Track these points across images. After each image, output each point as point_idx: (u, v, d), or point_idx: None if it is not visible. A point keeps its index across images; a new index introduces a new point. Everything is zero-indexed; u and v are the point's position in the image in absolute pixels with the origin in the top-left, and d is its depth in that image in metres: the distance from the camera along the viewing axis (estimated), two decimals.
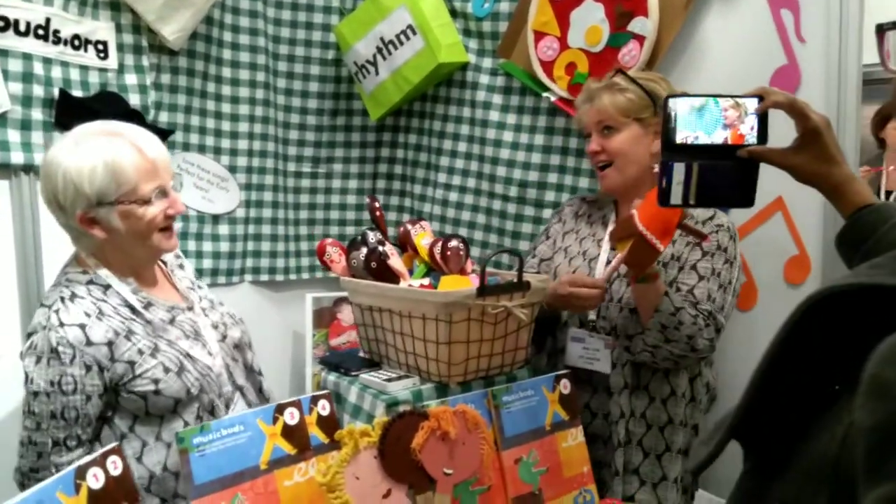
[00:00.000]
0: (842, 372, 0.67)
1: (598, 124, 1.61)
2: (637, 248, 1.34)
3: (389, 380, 1.38)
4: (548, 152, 2.09)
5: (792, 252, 1.78)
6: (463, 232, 2.25)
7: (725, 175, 1.08)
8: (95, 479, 1.00)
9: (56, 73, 1.79)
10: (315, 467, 1.20)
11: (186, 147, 2.14)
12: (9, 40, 1.71)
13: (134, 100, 1.94)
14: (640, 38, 1.85)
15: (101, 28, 1.86)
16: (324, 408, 1.25)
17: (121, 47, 1.90)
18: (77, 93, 1.83)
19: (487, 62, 2.19)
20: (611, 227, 1.65)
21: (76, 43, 1.81)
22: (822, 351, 0.70)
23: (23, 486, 1.31)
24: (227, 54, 2.18)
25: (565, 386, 1.39)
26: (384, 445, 1.15)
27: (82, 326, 1.28)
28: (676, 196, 1.09)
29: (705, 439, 0.80)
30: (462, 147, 2.27)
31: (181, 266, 1.55)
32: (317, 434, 1.23)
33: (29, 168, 1.77)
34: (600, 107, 1.60)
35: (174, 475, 1.33)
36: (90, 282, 1.34)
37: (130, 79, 1.93)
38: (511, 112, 2.15)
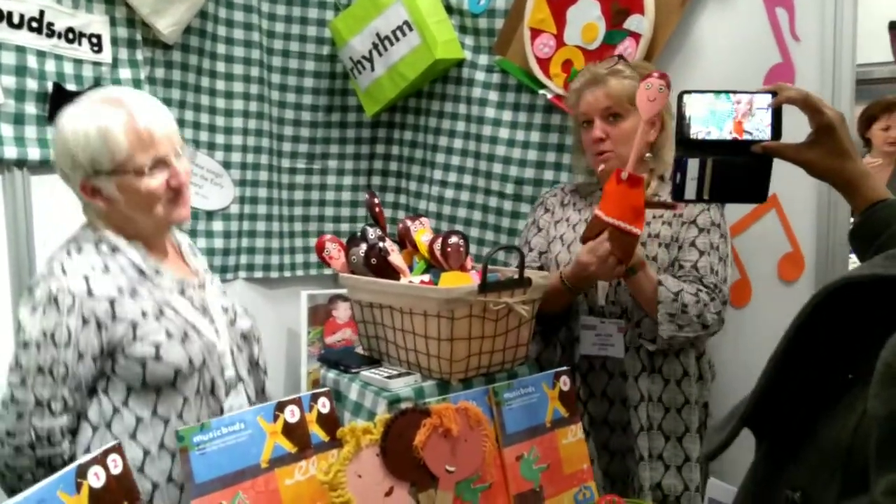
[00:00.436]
0: (855, 361, 0.68)
1: (605, 110, 1.58)
2: (616, 240, 1.39)
3: (390, 377, 1.37)
4: (544, 149, 2.09)
5: (786, 249, 1.79)
6: (459, 229, 2.25)
7: (739, 171, 1.08)
8: (96, 478, 0.99)
9: (50, 66, 1.78)
10: (316, 466, 1.19)
11: None
12: (2, 33, 1.69)
13: None
14: (636, 36, 1.85)
15: (95, 21, 1.85)
16: (324, 405, 1.24)
17: (115, 41, 1.89)
18: (71, 87, 1.81)
19: (483, 59, 2.19)
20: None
21: (70, 36, 1.80)
22: (837, 340, 0.71)
23: None
24: (221, 49, 2.16)
25: (565, 383, 1.40)
26: (386, 443, 1.14)
27: (86, 278, 1.23)
28: (690, 192, 1.08)
29: (718, 426, 0.81)
30: (458, 144, 2.26)
31: (195, 255, 1.50)
32: (317, 432, 1.22)
33: (22, 163, 1.75)
34: (611, 92, 1.57)
35: (171, 454, 1.26)
36: (99, 241, 1.30)
37: (125, 73, 1.91)
38: (507, 109, 2.15)
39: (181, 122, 2.11)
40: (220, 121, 2.19)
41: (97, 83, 1.86)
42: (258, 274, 2.33)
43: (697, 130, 1.07)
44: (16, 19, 1.70)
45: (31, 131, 1.76)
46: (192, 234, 2.17)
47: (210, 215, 2.20)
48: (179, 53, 2.06)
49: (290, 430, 1.19)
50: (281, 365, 2.38)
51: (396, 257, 1.48)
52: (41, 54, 1.76)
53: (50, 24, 1.76)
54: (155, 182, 1.27)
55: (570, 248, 1.66)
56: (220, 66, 2.17)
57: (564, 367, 1.42)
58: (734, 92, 1.07)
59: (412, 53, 2.14)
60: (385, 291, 1.42)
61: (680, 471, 1.61)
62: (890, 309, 0.64)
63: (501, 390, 1.31)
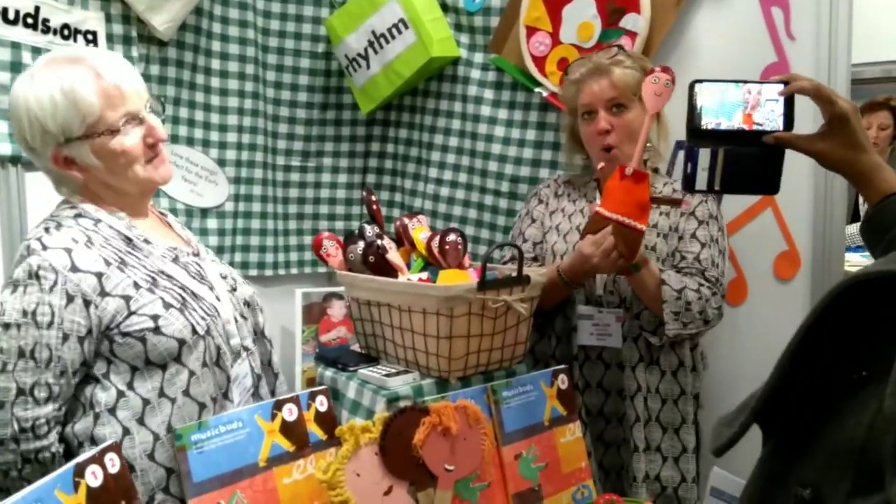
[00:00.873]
0: (869, 359, 0.68)
1: (610, 101, 1.57)
2: (621, 236, 1.37)
3: (388, 375, 1.37)
4: (539, 147, 2.10)
5: (782, 247, 1.80)
6: (454, 227, 2.25)
7: (751, 161, 1.07)
8: (94, 477, 0.97)
9: None
10: (314, 464, 1.19)
11: (175, 140, 2.11)
12: None
13: None
14: (632, 35, 1.86)
15: (90, 18, 1.83)
16: (322, 404, 1.24)
17: (110, 37, 1.88)
18: None
19: (479, 57, 2.19)
20: (598, 202, 1.63)
21: (65, 32, 1.78)
22: (851, 337, 0.71)
23: None
24: (216, 46, 2.15)
25: (563, 381, 1.40)
26: (385, 441, 1.14)
27: (68, 250, 1.14)
28: (702, 182, 1.08)
29: (727, 421, 0.81)
30: (453, 142, 2.26)
31: (183, 228, 1.44)
32: (315, 431, 1.22)
33: (16, 159, 1.74)
34: (617, 81, 1.55)
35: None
36: (78, 215, 1.21)
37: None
38: (502, 107, 2.15)
39: (175, 120, 2.10)
40: (214, 118, 2.18)
41: None
42: (252, 272, 2.31)
43: (708, 120, 1.06)
44: (11, 15, 1.69)
45: None
46: None
47: (204, 213, 2.19)
48: (174, 50, 2.05)
49: (288, 429, 1.19)
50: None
51: (394, 255, 1.47)
52: (36, 50, 1.74)
53: (45, 21, 1.75)
54: (130, 140, 1.20)
55: (567, 238, 1.66)
56: (215, 64, 2.16)
57: (563, 366, 1.42)
58: (746, 82, 1.06)
59: (408, 51, 2.14)
60: (383, 289, 1.41)
61: (677, 462, 1.62)
62: None
63: (500, 389, 1.31)
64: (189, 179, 2.15)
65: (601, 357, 1.63)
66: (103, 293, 1.14)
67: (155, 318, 1.16)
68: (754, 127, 1.06)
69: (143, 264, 1.20)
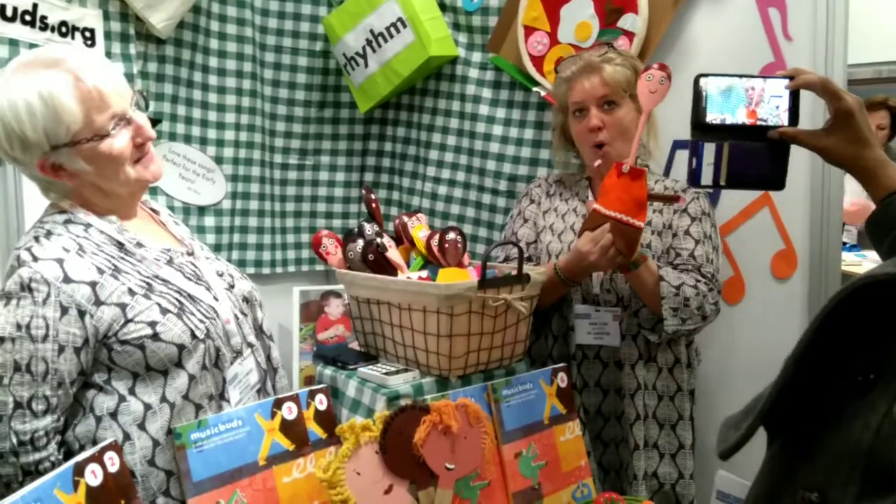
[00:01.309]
0: (877, 361, 0.68)
1: (601, 98, 1.57)
2: (619, 234, 1.37)
3: (389, 373, 1.36)
4: (537, 146, 2.10)
5: (779, 246, 1.81)
6: (453, 225, 2.25)
7: (756, 156, 1.07)
8: (94, 476, 0.97)
9: None
10: (314, 463, 1.19)
11: (172, 137, 2.10)
12: None
13: None
14: (630, 35, 1.86)
15: (88, 15, 1.83)
16: (321, 402, 1.24)
17: (108, 35, 1.87)
18: None
19: (477, 56, 2.19)
20: (591, 200, 1.63)
21: (63, 30, 1.78)
22: (858, 340, 0.71)
23: None
24: (214, 44, 2.14)
25: (562, 379, 1.40)
26: (385, 440, 1.14)
27: (59, 261, 1.11)
28: (707, 177, 1.07)
29: (734, 423, 0.81)
30: (451, 141, 2.26)
31: (176, 223, 1.41)
32: (315, 429, 1.22)
33: None
34: (608, 78, 1.55)
35: None
36: (68, 221, 1.18)
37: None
38: (500, 106, 2.15)
39: (173, 117, 2.09)
40: (212, 116, 2.17)
41: None
42: (250, 270, 2.31)
43: (714, 115, 1.06)
44: (9, 12, 1.68)
45: None
46: None
47: (202, 210, 2.18)
48: (172, 48, 2.04)
49: (287, 428, 1.18)
50: None
51: (394, 253, 1.47)
52: (34, 48, 1.73)
53: (43, 18, 1.74)
54: (120, 142, 1.16)
55: (562, 238, 1.66)
56: (213, 62, 2.15)
57: (562, 364, 1.42)
58: (751, 76, 1.06)
59: (406, 50, 2.14)
60: (384, 287, 1.41)
61: (674, 458, 1.63)
62: None
63: (500, 387, 1.31)
64: (186, 177, 2.14)
65: (599, 356, 1.64)
66: (98, 302, 1.12)
67: (153, 324, 1.14)
68: (759, 122, 1.06)
69: (138, 270, 1.18)
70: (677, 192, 1.63)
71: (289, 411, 1.19)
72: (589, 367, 1.65)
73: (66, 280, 1.10)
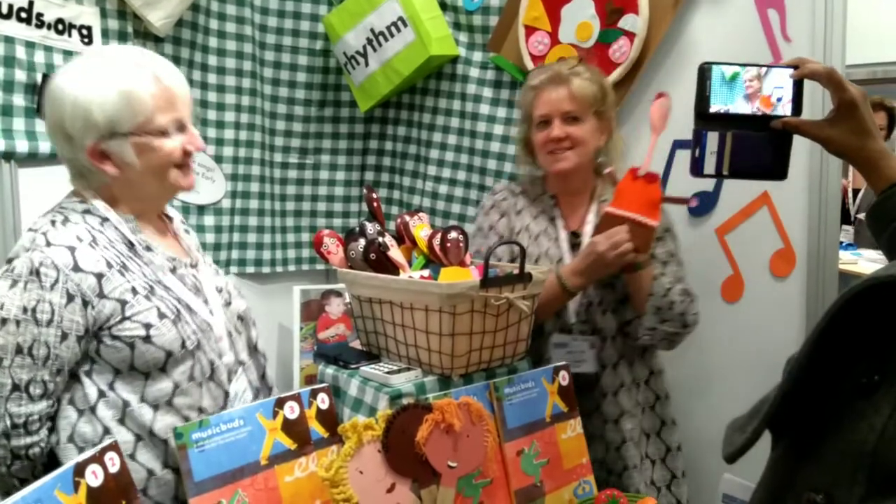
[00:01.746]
0: (882, 363, 0.68)
1: (565, 112, 1.58)
2: (634, 233, 1.44)
3: (391, 372, 1.36)
4: None
5: (777, 245, 1.81)
6: (455, 224, 2.25)
7: (759, 146, 1.06)
8: (94, 477, 0.96)
9: (39, 57, 1.75)
10: (316, 462, 1.18)
11: None
12: None
13: None
14: (631, 35, 1.87)
15: (85, 13, 1.82)
16: (323, 401, 1.23)
17: (105, 33, 1.87)
18: None
19: (477, 55, 2.19)
20: (560, 224, 1.67)
21: (60, 27, 1.77)
22: (863, 341, 0.71)
23: None
24: (213, 42, 2.14)
25: (564, 377, 1.40)
26: (388, 439, 1.14)
27: (72, 249, 1.13)
28: (710, 166, 1.07)
29: (738, 426, 0.81)
30: (452, 140, 2.26)
31: (186, 231, 1.43)
32: (316, 428, 1.21)
33: (9, 155, 1.72)
34: (575, 92, 1.58)
35: (164, 441, 1.17)
36: (87, 211, 1.20)
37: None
38: (501, 106, 2.15)
39: None
40: (211, 114, 2.17)
41: None
42: (250, 269, 2.31)
43: (717, 103, 1.06)
44: (4, 9, 1.68)
45: (18, 123, 1.73)
46: None
47: (201, 210, 2.18)
48: (171, 46, 2.04)
49: (289, 427, 1.18)
50: (273, 361, 2.35)
51: (396, 252, 1.47)
52: (30, 45, 1.73)
53: (39, 15, 1.73)
54: (172, 144, 1.21)
55: (538, 263, 1.63)
56: (212, 60, 2.15)
57: (563, 363, 1.43)
58: (755, 65, 1.05)
59: (406, 49, 2.14)
60: (385, 287, 1.41)
61: (664, 462, 1.66)
62: None
63: (502, 385, 1.31)
64: None
65: (575, 383, 1.62)
66: (101, 295, 1.13)
67: (147, 326, 1.15)
68: (762, 112, 1.06)
69: (143, 272, 1.20)
70: (690, 198, 1.67)
71: (291, 410, 1.19)
72: None
73: (76, 269, 1.12)
